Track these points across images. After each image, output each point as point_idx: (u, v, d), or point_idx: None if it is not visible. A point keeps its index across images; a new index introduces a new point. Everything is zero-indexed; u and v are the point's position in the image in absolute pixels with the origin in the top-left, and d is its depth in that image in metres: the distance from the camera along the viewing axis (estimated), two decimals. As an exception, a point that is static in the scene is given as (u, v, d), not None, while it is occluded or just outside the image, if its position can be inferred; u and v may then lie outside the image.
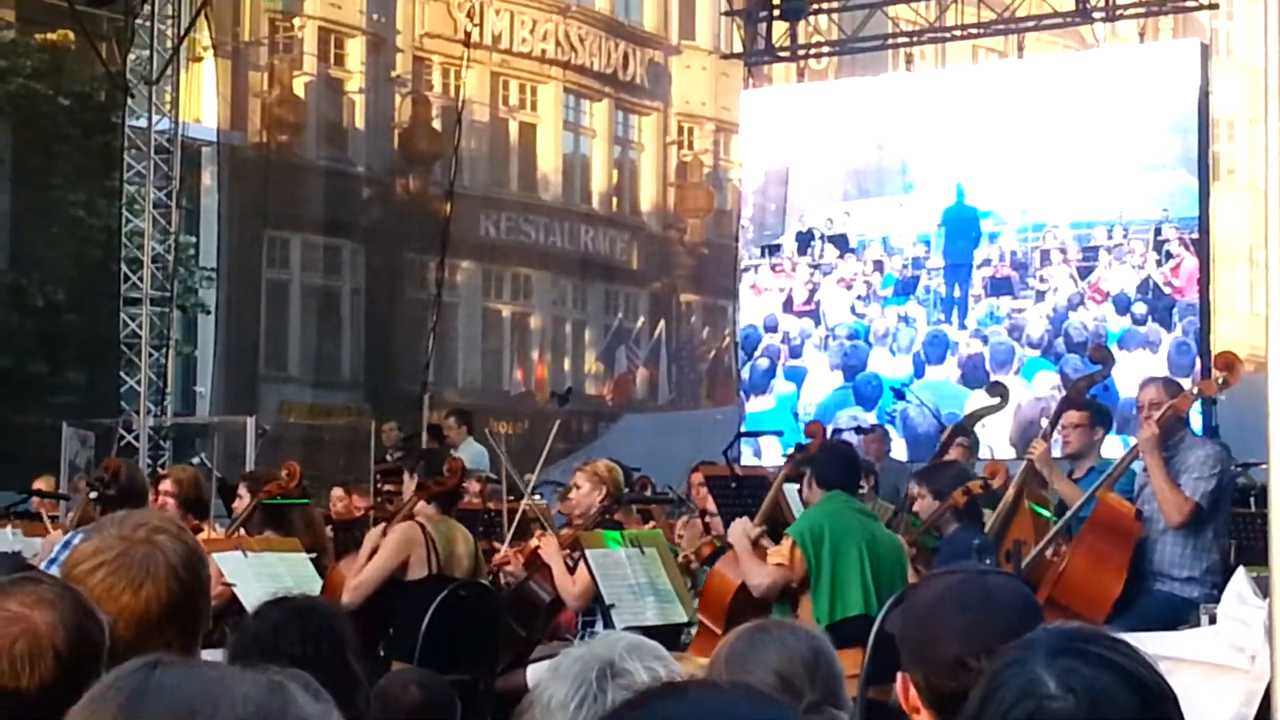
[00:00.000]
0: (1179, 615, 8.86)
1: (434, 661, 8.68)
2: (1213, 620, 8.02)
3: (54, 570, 7.95)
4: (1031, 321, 19.11)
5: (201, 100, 31.41)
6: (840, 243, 20.38)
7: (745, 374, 20.88)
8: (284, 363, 34.67)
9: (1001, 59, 31.10)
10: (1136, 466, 9.46)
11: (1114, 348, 15.11)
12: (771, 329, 20.61)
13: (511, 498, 13.19)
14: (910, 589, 5.40)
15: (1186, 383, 11.96)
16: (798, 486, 9.76)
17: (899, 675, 3.37)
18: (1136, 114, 18.56)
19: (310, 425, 32.21)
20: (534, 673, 9.17)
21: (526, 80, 38.99)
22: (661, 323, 40.41)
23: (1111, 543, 9.17)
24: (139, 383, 22.76)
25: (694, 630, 9.36)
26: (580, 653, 3.46)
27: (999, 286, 19.36)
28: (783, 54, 22.58)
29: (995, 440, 16.98)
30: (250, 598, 8.45)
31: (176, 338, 24.49)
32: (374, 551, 9.85)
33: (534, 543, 10.58)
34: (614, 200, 41.21)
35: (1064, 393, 12.49)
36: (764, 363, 20.61)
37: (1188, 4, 20.30)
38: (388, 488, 15.06)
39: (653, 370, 40.06)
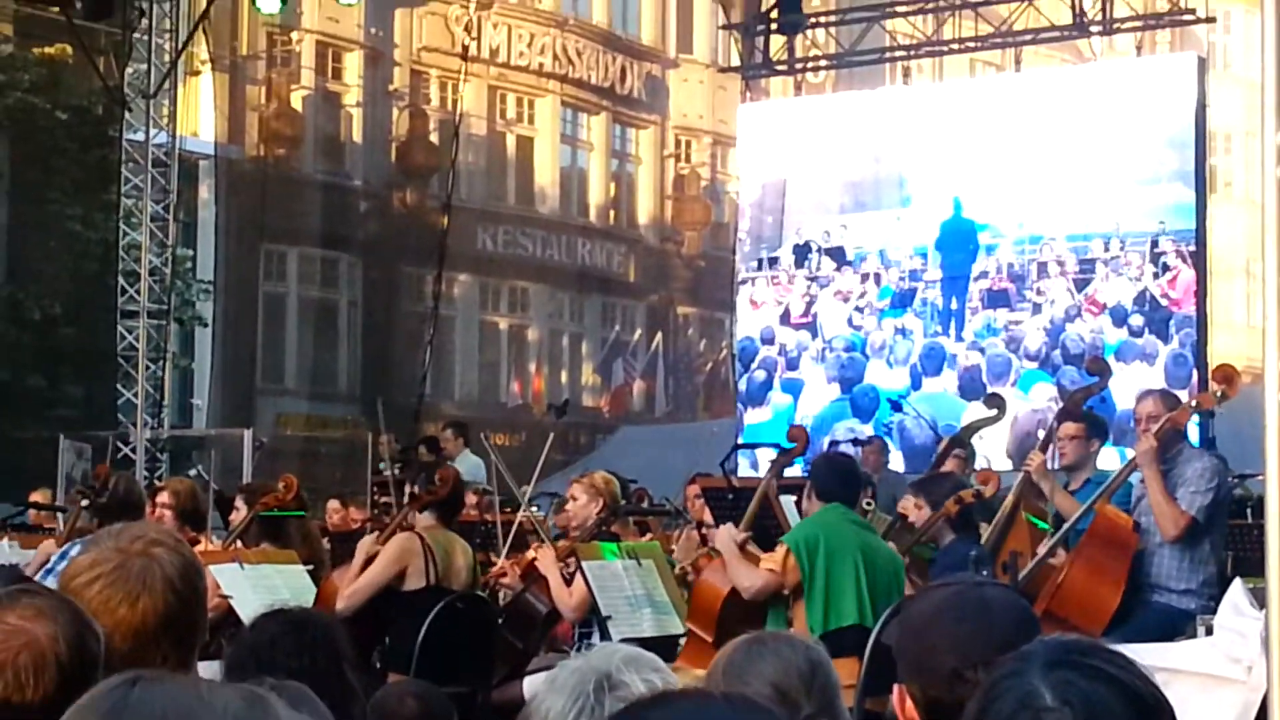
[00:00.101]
0: (1176, 627, 8.87)
1: (431, 673, 8.67)
2: (1209, 631, 8.03)
3: (51, 580, 7.99)
4: (1029, 334, 19.12)
5: (199, 114, 31.41)
6: (837, 255, 20.40)
7: (742, 386, 20.89)
8: (281, 375, 34.64)
9: (999, 72, 31.13)
10: (1134, 478, 9.46)
11: (1111, 360, 15.13)
12: (768, 341, 20.63)
13: (508, 510, 13.18)
14: (907, 601, 5.40)
15: (1184, 395, 12.00)
16: (795, 498, 9.76)
17: (895, 687, 3.37)
18: (1133, 127, 18.59)
19: (307, 438, 32.18)
20: (531, 685, 9.17)
21: (524, 94, 39.00)
22: (659, 335, 40.40)
23: (1110, 555, 9.16)
24: (136, 395, 22.76)
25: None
26: (577, 665, 3.46)
27: (996, 299, 19.38)
28: (780, 67, 22.60)
29: (992, 452, 16.99)
30: (247, 610, 8.43)
31: (174, 351, 24.47)
32: (367, 560, 9.85)
33: (530, 554, 10.57)
34: (611, 213, 41.20)
35: (1061, 405, 12.49)
36: (761, 375, 20.62)
37: (1185, 18, 20.33)
38: (385, 500, 15.06)
39: (650, 382, 40.04)
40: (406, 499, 10.43)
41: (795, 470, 18.18)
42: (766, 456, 17.07)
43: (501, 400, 37.55)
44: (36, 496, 16.73)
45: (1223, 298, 35.29)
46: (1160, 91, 18.53)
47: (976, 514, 9.88)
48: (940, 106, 20.54)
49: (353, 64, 35.95)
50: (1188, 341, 18.11)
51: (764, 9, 22.24)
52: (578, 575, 9.46)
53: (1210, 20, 20.55)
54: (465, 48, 34.67)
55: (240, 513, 10.77)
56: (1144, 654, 4.86)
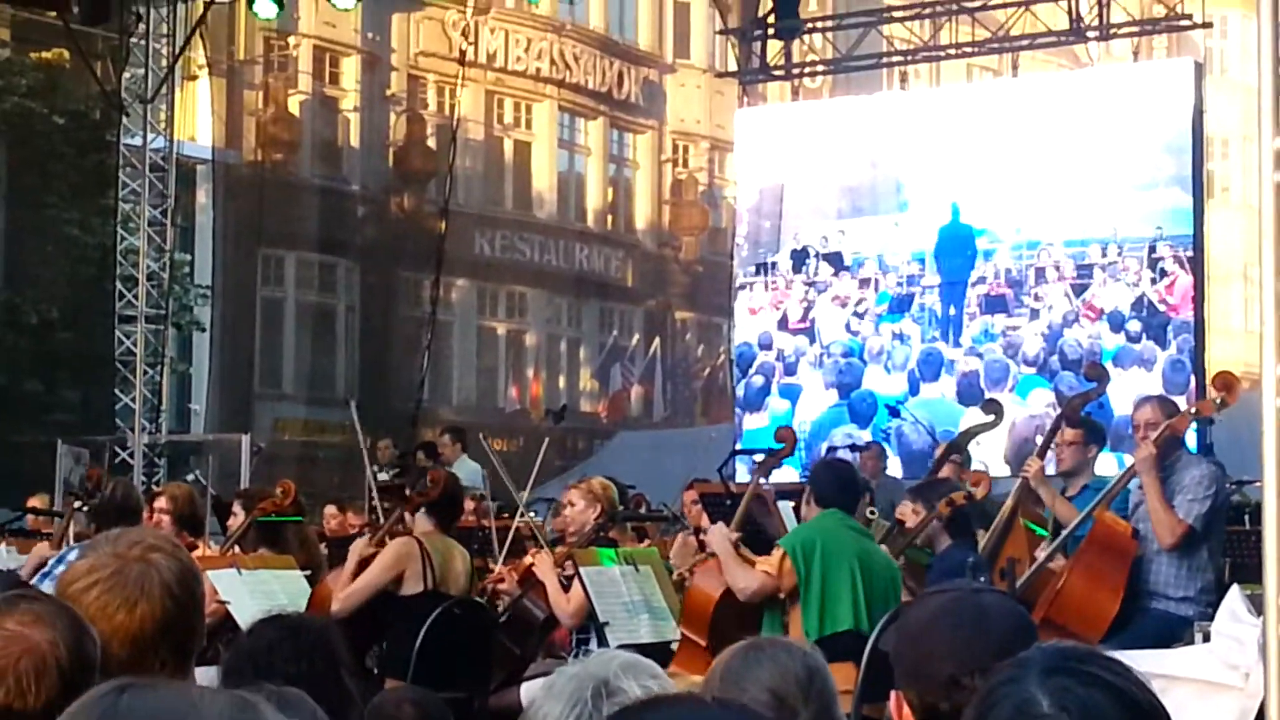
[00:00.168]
0: (1173, 633, 8.85)
1: (428, 679, 8.67)
2: (1207, 638, 8.02)
3: (47, 584, 7.99)
4: (1026, 339, 19.13)
5: (196, 118, 31.43)
6: (835, 260, 20.40)
7: (740, 391, 20.89)
8: (279, 380, 34.64)
9: (996, 78, 31.06)
10: (1132, 484, 9.45)
11: (1109, 365, 15.12)
12: (766, 346, 20.63)
13: (506, 515, 13.18)
14: (904, 607, 5.41)
15: (1182, 401, 11.98)
16: (793, 504, 9.75)
17: (893, 693, 3.37)
18: (1131, 132, 18.60)
19: (305, 442, 32.18)
20: (528, 691, 9.16)
21: (521, 98, 39.01)
22: (656, 340, 40.40)
23: (1109, 562, 9.16)
24: (134, 400, 22.75)
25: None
26: (575, 671, 3.46)
27: (994, 304, 19.38)
28: (777, 72, 22.60)
29: (990, 458, 16.99)
30: (244, 615, 8.44)
31: (171, 355, 24.48)
32: (360, 563, 9.85)
33: (528, 560, 10.57)
34: (609, 218, 41.21)
35: (1059, 410, 12.49)
36: (759, 380, 20.61)
37: (1182, 23, 20.34)
38: (386, 505, 15.06)
39: (648, 388, 40.04)
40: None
41: (789, 474, 18.25)
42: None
43: (499, 405, 37.55)
44: (34, 501, 16.75)
45: (1220, 303, 35.26)
46: (1157, 97, 18.54)
47: (974, 521, 9.88)
48: (937, 112, 20.54)
49: (350, 69, 35.96)
50: (1185, 347, 18.12)
51: (761, 14, 22.24)
52: (575, 581, 9.46)
53: (1207, 25, 20.56)
54: (462, 53, 34.68)
55: (238, 518, 10.78)
56: (1141, 660, 4.86)
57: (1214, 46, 42.91)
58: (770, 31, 22.16)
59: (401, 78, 36.80)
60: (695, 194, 41.90)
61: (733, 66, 24.19)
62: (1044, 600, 8.93)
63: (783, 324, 20.58)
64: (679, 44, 41.54)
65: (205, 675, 4.37)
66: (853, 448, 16.22)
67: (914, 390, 19.62)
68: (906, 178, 20.05)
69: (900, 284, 19.96)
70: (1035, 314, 19.13)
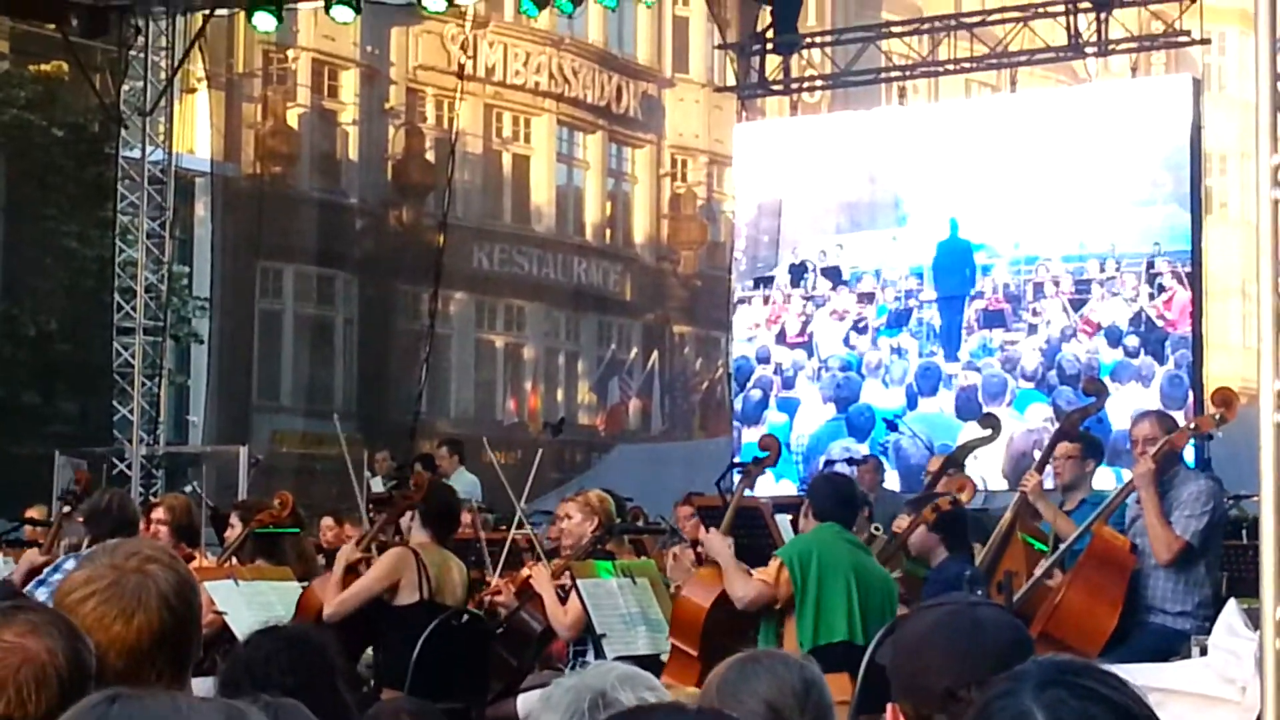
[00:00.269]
0: (1171, 647, 8.86)
1: (425, 690, 8.68)
2: (1204, 652, 8.02)
3: (42, 591, 7.99)
4: (1024, 354, 19.12)
5: (195, 131, 31.46)
6: (833, 275, 20.40)
7: (738, 405, 20.88)
8: (276, 392, 34.67)
9: (994, 93, 31.10)
10: (1129, 499, 9.46)
11: (1106, 380, 15.12)
12: (764, 360, 20.62)
13: (504, 527, 13.18)
14: (901, 620, 5.41)
15: (1180, 417, 11.99)
16: (790, 517, 9.76)
17: (889, 706, 3.37)
18: (1129, 148, 18.61)
19: (302, 455, 32.18)
20: (524, 702, 9.17)
21: (520, 112, 39.04)
22: (654, 354, 40.42)
23: (1107, 577, 9.16)
24: (132, 412, 22.73)
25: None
26: (572, 682, 3.47)
27: (992, 319, 19.37)
28: (776, 87, 22.60)
29: (988, 472, 17.00)
30: (241, 626, 8.46)
31: (169, 367, 24.46)
32: (347, 568, 9.87)
33: (525, 572, 10.58)
34: (607, 232, 41.23)
35: (1056, 425, 12.49)
36: (757, 394, 20.61)
37: (1180, 39, 20.34)
38: (372, 517, 15.07)
39: (646, 401, 40.06)
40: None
41: (787, 488, 18.24)
42: (763, 475, 17.11)
43: (497, 418, 37.55)
44: (32, 513, 16.74)
45: (1218, 319, 35.27)
46: (1156, 113, 18.55)
47: (971, 533, 9.89)
48: (936, 127, 20.54)
49: (349, 82, 36.00)
50: (1183, 362, 18.11)
51: (760, 29, 22.24)
52: (573, 593, 9.47)
53: (1205, 42, 20.55)
54: (461, 66, 34.68)
55: (235, 529, 10.79)
56: (1138, 674, 4.87)
57: (1212, 63, 42.96)
58: (769, 46, 22.16)
59: (400, 91, 36.85)
60: (694, 208, 41.93)
61: (731, 81, 24.19)
62: (1042, 614, 8.93)
63: (781, 338, 20.57)
64: (678, 58, 41.57)
65: (202, 686, 4.37)
66: (850, 461, 16.23)
67: (912, 404, 19.61)
68: (905, 192, 20.06)
69: (898, 298, 19.96)
70: (1033, 329, 19.12)
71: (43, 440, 24.16)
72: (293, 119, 35.29)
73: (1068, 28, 20.33)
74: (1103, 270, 18.76)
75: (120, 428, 22.84)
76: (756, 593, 8.78)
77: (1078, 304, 18.87)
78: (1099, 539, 9.22)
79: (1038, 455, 10.95)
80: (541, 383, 39.43)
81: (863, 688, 7.02)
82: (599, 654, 8.99)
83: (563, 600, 9.71)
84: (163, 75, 23.21)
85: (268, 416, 33.63)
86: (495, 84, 37.90)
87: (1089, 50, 20.58)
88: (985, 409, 17.67)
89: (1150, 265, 18.44)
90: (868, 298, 20.18)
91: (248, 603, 9.44)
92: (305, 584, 10.09)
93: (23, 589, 8.86)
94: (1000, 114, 20.93)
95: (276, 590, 9.85)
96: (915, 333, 19.80)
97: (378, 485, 18.22)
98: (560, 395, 39.60)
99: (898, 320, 19.92)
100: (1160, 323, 18.33)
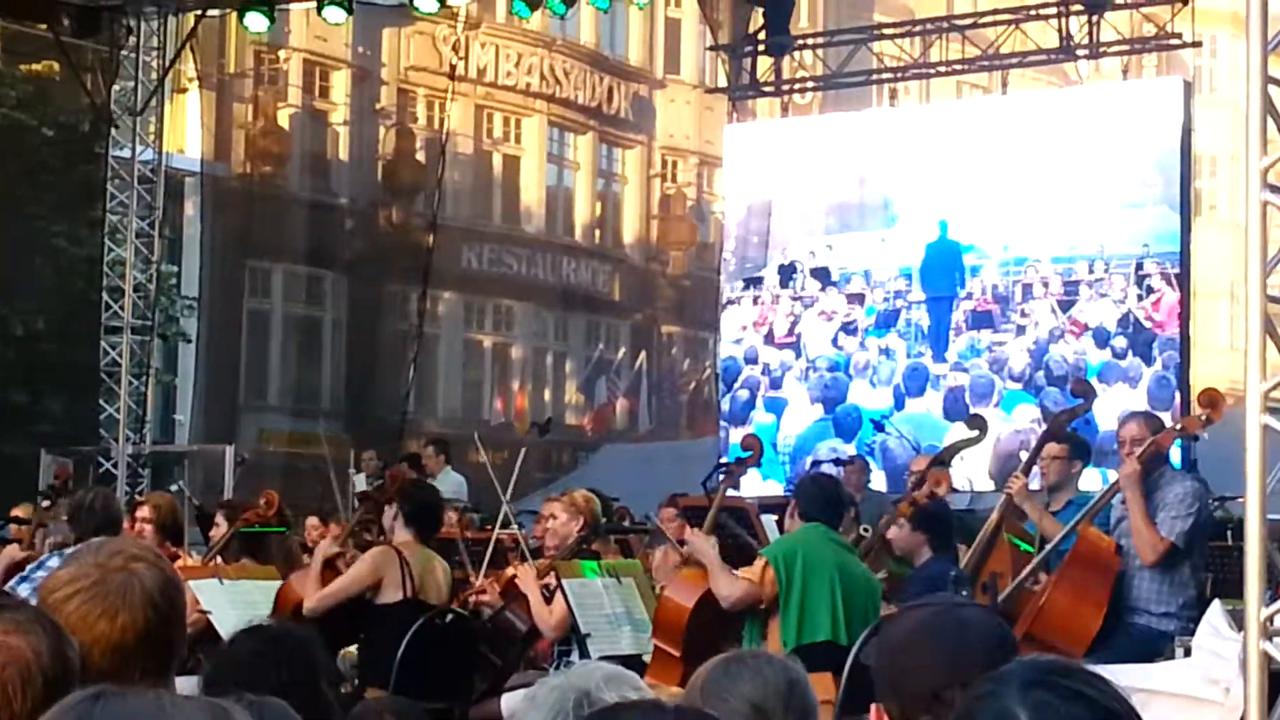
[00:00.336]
0: (1155, 648, 8.87)
1: (410, 689, 8.68)
2: (1188, 653, 8.04)
3: (24, 587, 7.99)
4: (1012, 355, 19.12)
5: (186, 131, 31.43)
6: (822, 276, 20.39)
7: (725, 405, 20.87)
8: (264, 392, 34.65)
9: (985, 95, 31.14)
10: (1115, 500, 9.47)
11: (1094, 381, 15.13)
12: (752, 361, 20.61)
13: (489, 527, 13.18)
14: (886, 620, 5.41)
15: (1167, 418, 11.99)
16: (776, 517, 9.77)
17: (874, 707, 3.37)
18: (1119, 150, 18.62)
19: (289, 454, 32.17)
20: (509, 702, 9.17)
21: (510, 113, 39.03)
22: (642, 354, 40.43)
23: (1092, 577, 9.17)
24: (119, 411, 22.71)
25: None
26: (557, 682, 3.47)
27: (980, 320, 19.38)
28: (767, 89, 22.59)
29: (975, 473, 17.02)
30: (226, 625, 8.47)
31: (157, 366, 24.42)
32: (326, 563, 9.88)
33: (510, 571, 10.58)
34: (596, 232, 41.23)
35: (1044, 426, 12.49)
36: (744, 394, 20.60)
37: (1171, 42, 20.35)
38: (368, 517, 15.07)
39: (633, 401, 40.06)
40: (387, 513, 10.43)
41: (774, 488, 18.24)
42: (749, 475, 17.12)
43: (485, 418, 37.53)
44: (18, 511, 16.70)
45: (1206, 320, 35.34)
46: (1146, 115, 18.56)
47: (957, 535, 9.90)
48: (926, 128, 20.55)
49: (340, 83, 35.99)
50: (1171, 364, 18.12)
51: (751, 30, 22.23)
52: (558, 593, 9.47)
53: (1196, 45, 20.58)
54: (453, 67, 34.68)
55: (221, 528, 10.79)
56: (1123, 675, 4.87)
57: (1203, 65, 43.03)
58: (760, 48, 22.15)
59: (391, 92, 36.83)
60: (683, 209, 41.93)
61: (722, 82, 24.19)
62: (1027, 615, 8.94)
63: (769, 338, 20.57)
64: (669, 60, 41.57)
65: (186, 685, 4.36)
66: (837, 462, 16.23)
67: (899, 405, 19.61)
68: (895, 194, 20.06)
69: (887, 299, 19.96)
70: (1021, 330, 19.13)
71: (29, 439, 24.12)
72: (284, 119, 35.29)
73: (1059, 30, 20.34)
74: (1091, 272, 18.77)
75: (107, 426, 22.82)
76: (743, 592, 8.78)
77: (1066, 305, 18.87)
78: (1084, 540, 9.23)
79: (1025, 456, 10.96)
80: (529, 382, 39.43)
81: (847, 688, 7.03)
82: (584, 654, 8.99)
83: (548, 600, 9.71)
84: (154, 75, 23.21)
85: (255, 416, 33.61)
86: (486, 85, 37.90)
87: (1080, 52, 20.58)
88: (972, 410, 17.67)
89: (1139, 267, 18.44)
90: (856, 298, 20.18)
91: (232, 602, 9.45)
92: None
93: (3, 585, 8.87)
94: (991, 116, 20.93)
95: (261, 589, 9.85)
96: (903, 333, 19.80)
97: (362, 484, 18.25)
98: (548, 395, 39.60)
99: (886, 321, 19.92)
100: (1148, 324, 18.34)
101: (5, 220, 27.94)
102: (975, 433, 12.66)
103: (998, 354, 19.17)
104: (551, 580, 9.65)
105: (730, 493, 10.59)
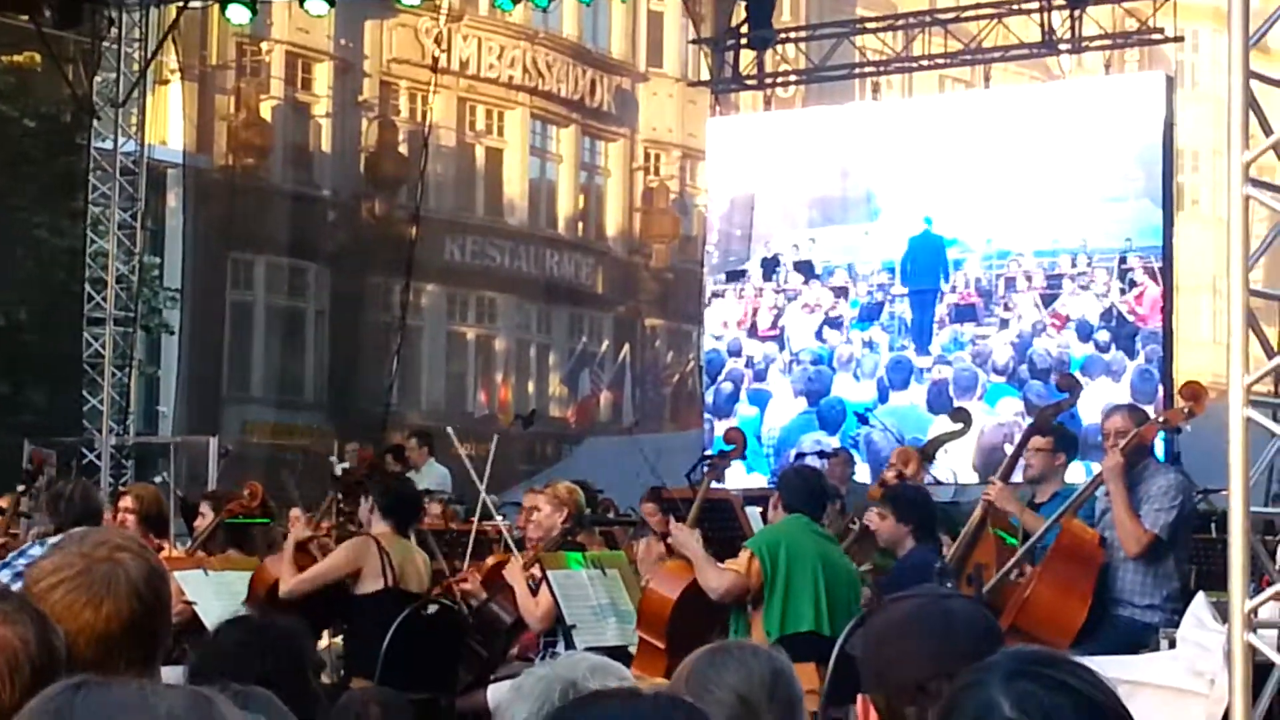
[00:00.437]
0: (1139, 640, 8.89)
1: (395, 680, 8.68)
2: (1173, 645, 8.05)
3: (5, 573, 7.98)
4: (996, 348, 19.15)
5: (168, 123, 31.35)
6: (805, 269, 20.41)
7: (709, 398, 20.89)
8: (247, 384, 34.61)
9: (968, 89, 31.22)
10: (1099, 492, 9.48)
11: (1077, 374, 15.15)
12: (736, 353, 20.63)
13: (473, 518, 13.18)
14: (872, 611, 5.42)
15: (1150, 411, 12.02)
16: (760, 509, 9.78)
17: (859, 697, 3.37)
18: (1102, 144, 18.65)
19: (273, 445, 32.15)
20: (495, 692, 9.18)
21: (493, 106, 38.99)
22: (626, 346, 40.41)
23: (1076, 570, 9.18)
24: (102, 402, 22.67)
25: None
26: (543, 673, 3.47)
27: (964, 313, 19.41)
28: (750, 82, 22.61)
29: (959, 466, 17.03)
30: (211, 616, 8.47)
31: (140, 358, 24.38)
32: (298, 546, 9.91)
33: (491, 561, 10.59)
34: (580, 225, 41.20)
35: (1027, 418, 12.51)
36: (728, 387, 20.61)
37: (1153, 37, 20.40)
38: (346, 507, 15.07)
39: (616, 394, 40.05)
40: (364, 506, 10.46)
41: (758, 480, 18.24)
42: (733, 467, 17.12)
43: (468, 410, 37.52)
44: (1, 502, 16.69)
45: (1188, 314, 35.43)
46: (1128, 109, 18.59)
47: (941, 527, 9.91)
48: (909, 122, 20.57)
49: (322, 74, 35.93)
50: (1154, 357, 18.16)
51: (734, 24, 22.24)
52: (543, 585, 9.47)
53: (1178, 39, 20.63)
54: (435, 59, 34.63)
55: (205, 519, 10.79)
56: (1107, 666, 4.88)
57: (1185, 60, 43.08)
58: (743, 41, 22.17)
59: (374, 84, 36.78)
60: (666, 202, 41.92)
61: (705, 76, 24.20)
62: (1011, 607, 8.95)
63: (752, 331, 20.58)
64: (652, 53, 41.54)
65: (171, 675, 4.36)
66: (820, 454, 16.24)
67: (883, 398, 19.64)
68: (878, 187, 20.07)
69: (870, 292, 19.98)
70: (1005, 323, 19.16)
71: (11, 430, 24.04)
72: (266, 111, 35.23)
73: (1041, 24, 20.38)
74: (1074, 265, 18.81)
75: (90, 418, 22.78)
76: (730, 583, 8.80)
77: (1049, 299, 18.91)
78: (1068, 532, 9.24)
79: (1009, 449, 10.99)
80: (512, 375, 39.40)
81: (833, 679, 7.05)
82: (569, 645, 9.00)
83: (534, 591, 9.71)
84: (136, 66, 23.15)
85: (238, 407, 33.57)
86: (469, 77, 37.84)
87: (1063, 47, 20.63)
88: (956, 403, 17.72)
89: (1122, 260, 18.49)
90: (840, 292, 20.20)
91: (217, 592, 9.45)
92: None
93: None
94: (974, 110, 20.96)
95: (245, 580, 9.85)
96: (887, 327, 19.83)
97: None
98: (531, 387, 39.57)
99: (869, 314, 19.95)
100: (1131, 318, 18.37)
101: (-13, 211, 27.87)
102: (959, 425, 12.70)
103: (981, 347, 19.20)
104: (537, 572, 9.66)
105: (714, 485, 10.58)
